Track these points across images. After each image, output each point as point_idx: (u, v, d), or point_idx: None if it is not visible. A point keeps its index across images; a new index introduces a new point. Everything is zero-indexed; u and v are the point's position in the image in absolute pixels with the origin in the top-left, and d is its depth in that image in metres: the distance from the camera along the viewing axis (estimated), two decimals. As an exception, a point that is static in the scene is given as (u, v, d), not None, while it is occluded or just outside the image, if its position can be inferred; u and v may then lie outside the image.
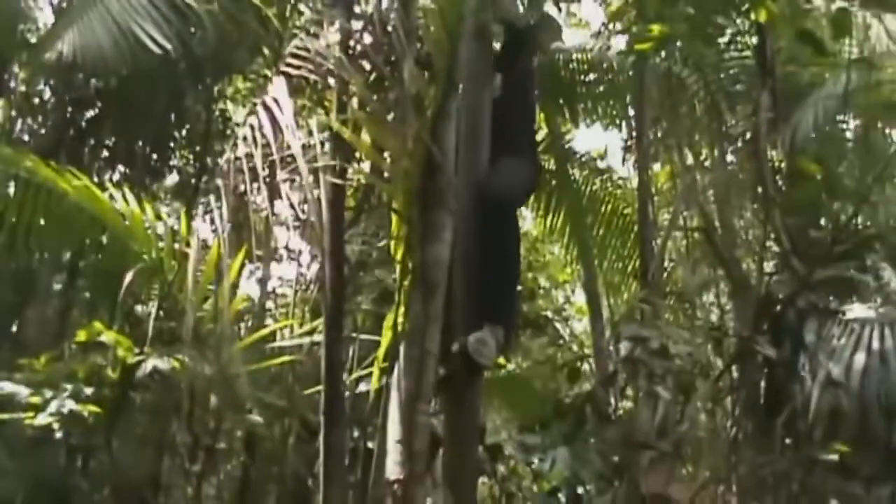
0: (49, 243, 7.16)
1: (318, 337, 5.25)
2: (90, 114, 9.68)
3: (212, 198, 4.48)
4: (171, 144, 10.29)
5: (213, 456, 7.99)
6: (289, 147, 4.33)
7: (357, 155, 5.41)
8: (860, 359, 5.37)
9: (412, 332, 4.45)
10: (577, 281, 11.22)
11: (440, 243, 4.54)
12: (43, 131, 9.79)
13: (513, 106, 5.00)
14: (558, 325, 10.47)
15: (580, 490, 5.36)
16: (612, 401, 5.54)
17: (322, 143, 4.80)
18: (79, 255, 9.04)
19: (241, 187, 4.42)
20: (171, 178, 10.85)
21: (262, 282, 9.27)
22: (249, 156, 4.38)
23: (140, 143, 9.85)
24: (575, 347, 10.04)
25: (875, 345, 5.44)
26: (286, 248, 10.14)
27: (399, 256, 4.84)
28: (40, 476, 6.72)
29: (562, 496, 5.48)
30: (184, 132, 10.33)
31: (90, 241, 6.80)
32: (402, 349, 4.50)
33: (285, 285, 10.25)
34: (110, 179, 9.26)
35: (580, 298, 11.13)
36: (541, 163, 5.45)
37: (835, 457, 4.75)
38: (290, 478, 6.67)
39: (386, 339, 4.89)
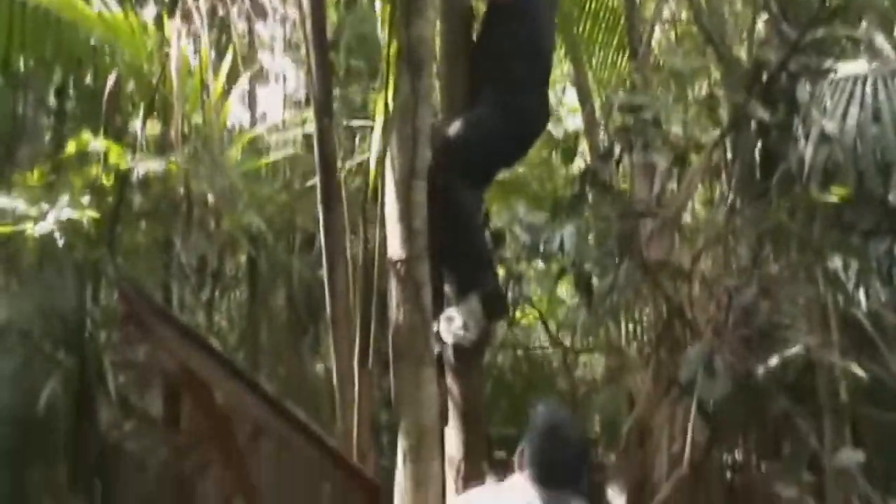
0: (36, 68, 7.03)
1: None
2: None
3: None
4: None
5: (221, 280, 8.12)
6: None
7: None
8: (854, 113, 5.35)
9: (402, 111, 4.40)
10: (566, 80, 11.10)
11: (423, 21, 4.45)
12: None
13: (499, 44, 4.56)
14: (551, 127, 10.41)
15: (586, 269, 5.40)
16: (610, 175, 5.54)
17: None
18: (65, 90, 8.96)
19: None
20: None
21: (251, 103, 9.15)
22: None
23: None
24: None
25: (868, 101, 5.42)
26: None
27: (385, 37, 4.75)
28: (51, 302, 6.82)
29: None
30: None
31: (78, 63, 6.66)
32: (394, 129, 4.47)
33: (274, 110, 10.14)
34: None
35: (571, 97, 11.03)
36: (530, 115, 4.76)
37: (832, 200, 4.77)
38: (297, 286, 6.74)
39: (377, 121, 4.85)
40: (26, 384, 6.70)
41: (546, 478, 3.75)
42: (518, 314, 8.75)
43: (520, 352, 8.46)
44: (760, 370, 4.67)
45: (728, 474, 5.91)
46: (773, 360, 4.45)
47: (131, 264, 6.59)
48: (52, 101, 9.21)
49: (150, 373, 7.86)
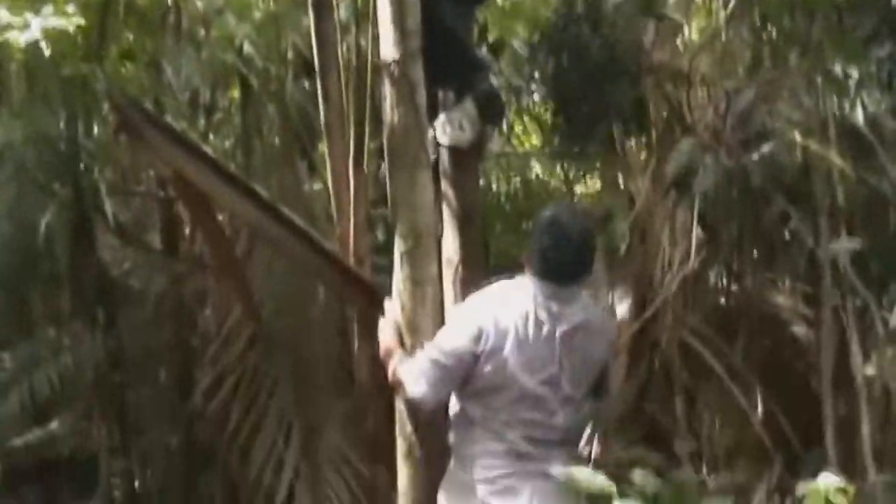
0: None
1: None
2: None
3: None
4: None
5: (214, 113, 8.05)
6: None
7: None
8: None
9: None
10: None
11: None
12: None
13: None
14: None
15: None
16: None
17: None
18: None
19: None
20: None
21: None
22: None
23: None
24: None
25: None
26: None
27: None
28: (42, 131, 6.77)
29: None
30: None
31: None
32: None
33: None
34: None
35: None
36: None
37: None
38: (292, 114, 6.64)
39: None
40: (23, 215, 6.71)
41: (552, 273, 3.80)
42: (515, 142, 8.72)
43: (516, 178, 8.42)
44: (757, 169, 4.67)
45: (723, 288, 5.95)
46: (767, 148, 4.42)
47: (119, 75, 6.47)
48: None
49: (147, 200, 7.90)
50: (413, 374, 3.84)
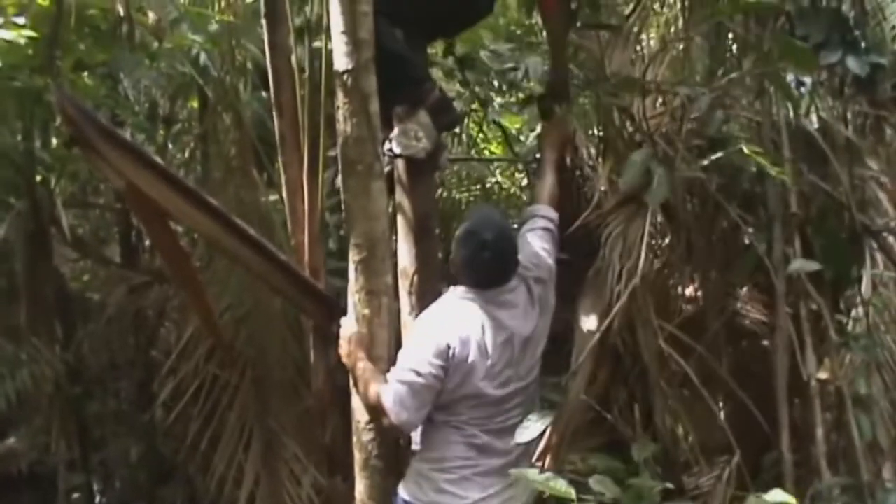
0: None
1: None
2: None
3: None
4: None
5: (172, 124, 8.02)
6: None
7: None
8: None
9: None
10: None
11: None
12: None
13: None
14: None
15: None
16: None
17: None
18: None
19: None
20: None
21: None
22: None
23: None
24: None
25: None
26: None
27: None
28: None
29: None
30: None
31: None
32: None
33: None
34: None
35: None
36: None
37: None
38: (249, 125, 6.61)
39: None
40: (-22, 229, 6.64)
41: (482, 282, 3.92)
42: (475, 151, 8.72)
43: (476, 185, 8.46)
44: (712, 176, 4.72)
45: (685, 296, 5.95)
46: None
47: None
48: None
49: (105, 213, 7.85)
50: (394, 402, 3.85)
